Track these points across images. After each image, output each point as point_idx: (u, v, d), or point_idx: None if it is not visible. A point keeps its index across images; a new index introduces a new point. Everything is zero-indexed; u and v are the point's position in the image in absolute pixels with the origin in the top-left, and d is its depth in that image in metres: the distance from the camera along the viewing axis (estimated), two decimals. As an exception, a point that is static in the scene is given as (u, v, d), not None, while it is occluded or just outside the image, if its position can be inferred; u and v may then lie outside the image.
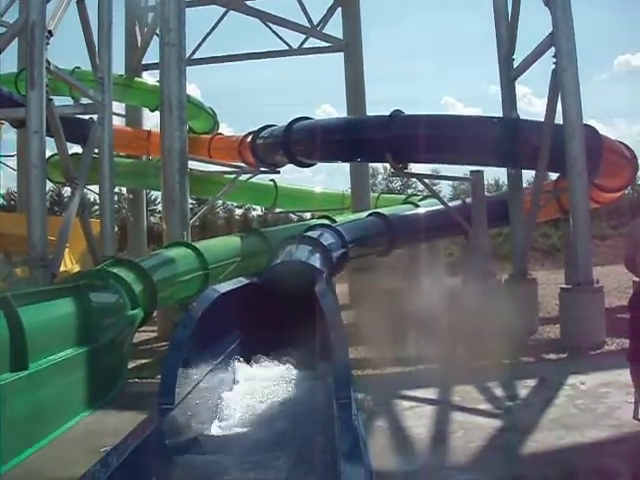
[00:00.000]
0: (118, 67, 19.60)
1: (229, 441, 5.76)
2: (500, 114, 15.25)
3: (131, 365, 10.98)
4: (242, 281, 9.08)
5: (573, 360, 11.05)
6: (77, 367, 8.62)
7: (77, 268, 17.46)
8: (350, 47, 21.41)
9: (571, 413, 7.96)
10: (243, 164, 19.31)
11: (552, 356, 11.43)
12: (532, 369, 10.51)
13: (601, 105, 74.25)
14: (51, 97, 12.53)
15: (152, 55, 20.31)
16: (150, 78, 21.59)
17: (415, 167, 19.81)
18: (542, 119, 13.56)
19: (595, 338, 11.75)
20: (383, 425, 7.83)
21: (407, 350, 11.95)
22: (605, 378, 9.34)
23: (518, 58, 14.90)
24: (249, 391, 7.27)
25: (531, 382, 9.52)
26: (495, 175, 43.13)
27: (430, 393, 9.15)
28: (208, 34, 22.13)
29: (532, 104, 64.39)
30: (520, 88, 15.44)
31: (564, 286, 13.56)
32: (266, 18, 21.41)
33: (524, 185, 16.22)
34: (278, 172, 18.93)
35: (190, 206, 16.59)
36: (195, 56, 21.40)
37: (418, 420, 7.94)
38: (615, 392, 8.59)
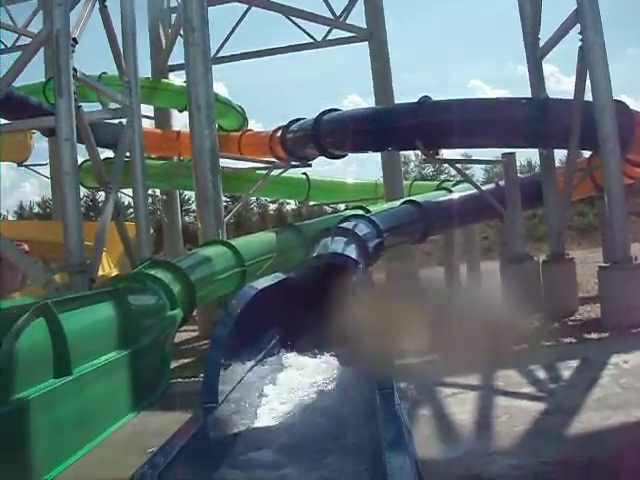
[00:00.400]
0: (144, 70, 19.70)
1: (274, 437, 5.79)
2: (529, 94, 15.16)
3: (173, 365, 11.02)
4: (279, 276, 9.10)
5: (615, 339, 10.96)
6: (120, 370, 8.68)
7: (115, 272, 17.60)
8: (374, 36, 21.33)
9: (615, 393, 7.90)
10: (274, 159, 19.33)
11: (594, 336, 11.34)
12: (574, 350, 10.43)
13: (632, 79, 73.55)
14: (80, 104, 12.61)
15: (177, 56, 20.44)
16: (177, 79, 21.71)
17: (446, 153, 19.75)
18: (571, 97, 13.47)
19: (636, 316, 11.63)
20: (426, 413, 7.82)
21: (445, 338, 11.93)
22: (650, 355, 9.28)
23: (543, 37, 14.81)
24: (292, 386, 7.30)
25: (574, 363, 9.46)
26: (527, 156, 42.90)
27: (473, 379, 9.11)
28: (232, 31, 22.17)
29: (561, 82, 63.82)
30: (547, 67, 15.39)
31: (602, 264, 13.49)
32: (288, 12, 21.38)
33: (557, 165, 16.11)
34: (309, 165, 18.94)
35: (224, 204, 16.67)
36: (220, 54, 21.42)
37: (461, 406, 7.91)
38: (660, 369, 8.54)
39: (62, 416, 7.11)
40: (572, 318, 12.98)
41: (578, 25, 12.54)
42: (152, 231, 19.21)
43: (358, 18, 21.92)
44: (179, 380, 10.55)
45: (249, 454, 5.42)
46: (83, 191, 22.85)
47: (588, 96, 12.76)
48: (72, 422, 7.31)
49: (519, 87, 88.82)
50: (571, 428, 6.85)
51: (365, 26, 21.62)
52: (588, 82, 12.65)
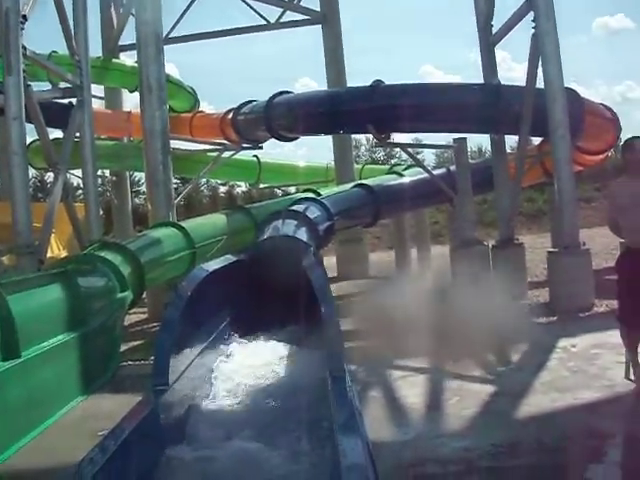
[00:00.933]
0: (95, 49, 19.49)
1: (224, 418, 5.78)
2: (481, 80, 15.24)
3: (123, 348, 10.95)
4: (229, 259, 9.05)
5: (563, 323, 11.10)
6: (69, 352, 8.61)
7: (64, 253, 17.41)
8: (328, 19, 21.32)
9: (563, 376, 8.02)
10: (225, 141, 19.22)
11: (542, 320, 11.47)
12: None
13: (581, 67, 74.49)
14: (29, 83, 12.43)
15: (129, 35, 20.20)
16: (128, 59, 21.46)
17: (398, 137, 19.80)
18: (523, 84, 13.57)
19: (584, 300, 11.81)
20: (377, 396, 7.87)
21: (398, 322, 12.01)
22: (595, 339, 9.43)
23: (497, 24, 14.90)
24: (242, 369, 7.29)
25: (522, 346, 9.56)
26: (478, 142, 43.20)
27: (422, 362, 9.16)
28: (185, 12, 21.95)
29: (512, 69, 64.40)
30: (499, 53, 15.45)
31: (551, 250, 13.62)
32: (242, -7, 21.25)
33: (508, 151, 16.24)
34: (261, 147, 18.87)
35: (174, 186, 16.59)
36: (172, 35, 21.18)
37: (412, 389, 7.98)
38: (606, 353, 8.67)
39: (10, 400, 7.04)
40: (521, 302, 13.08)
41: (531, 13, 12.62)
42: (102, 213, 19.03)
43: (312, 1, 21.91)
44: (129, 363, 10.51)
45: (200, 435, 5.41)
46: (31, 172, 22.61)
47: (540, 83, 12.86)
48: (20, 406, 7.25)
49: (471, 74, 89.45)
50: (520, 411, 6.95)
51: (319, 9, 21.57)
52: (540, 69, 12.75)
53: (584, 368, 8.23)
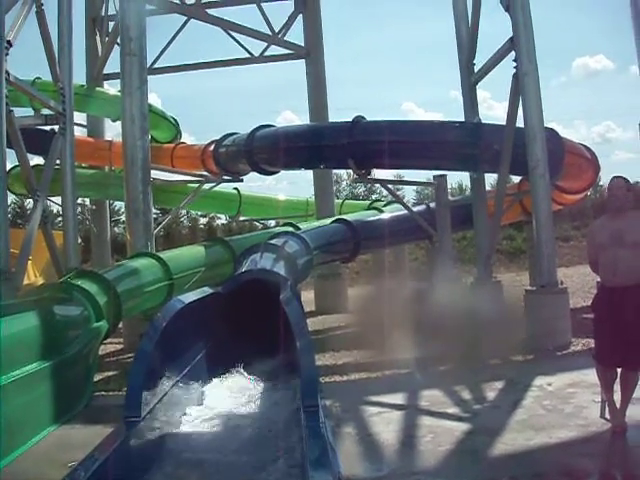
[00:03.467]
0: (79, 77, 19.46)
1: (195, 452, 5.73)
2: (461, 119, 15.33)
3: (97, 378, 10.87)
4: (206, 291, 9.03)
5: (540, 361, 11.10)
6: (42, 381, 8.51)
7: (41, 281, 17.29)
8: (312, 54, 21.42)
9: (539, 414, 8.00)
10: (206, 173, 19.21)
11: (519, 358, 11.46)
12: (499, 371, 10.52)
13: (561, 108, 75.26)
14: (11, 108, 12.40)
15: (113, 65, 20.19)
16: (111, 88, 21.45)
17: (379, 173, 19.86)
18: (503, 123, 13.66)
19: (561, 339, 11.81)
20: (352, 431, 7.82)
21: (375, 355, 12.01)
22: (572, 378, 9.40)
23: (478, 63, 15.03)
24: (216, 402, 7.25)
25: (498, 384, 9.55)
26: (459, 179, 43.44)
27: (398, 398, 9.15)
28: (169, 43, 21.96)
29: (492, 108, 65.09)
30: (479, 92, 15.54)
31: (529, 288, 13.65)
32: (227, 26, 21.23)
33: (487, 188, 16.31)
34: (241, 180, 18.88)
35: (154, 216, 16.53)
36: (156, 65, 21.22)
37: (386, 425, 7.93)
38: (582, 392, 8.66)
39: (-20, 427, 6.95)
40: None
41: (513, 53, 12.74)
42: (80, 241, 18.94)
43: (297, 36, 22.02)
44: (102, 393, 10.41)
45: (170, 467, 5.36)
46: (11, 197, 22.49)
47: (520, 122, 12.94)
48: (-9, 433, 7.15)
49: (451, 111, 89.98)
50: (495, 448, 6.92)
51: (303, 44, 21.68)
52: (520, 108, 12.85)
53: (560, 407, 8.22)
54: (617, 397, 7.31)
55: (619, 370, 7.30)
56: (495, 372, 10.32)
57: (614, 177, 7.56)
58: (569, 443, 6.95)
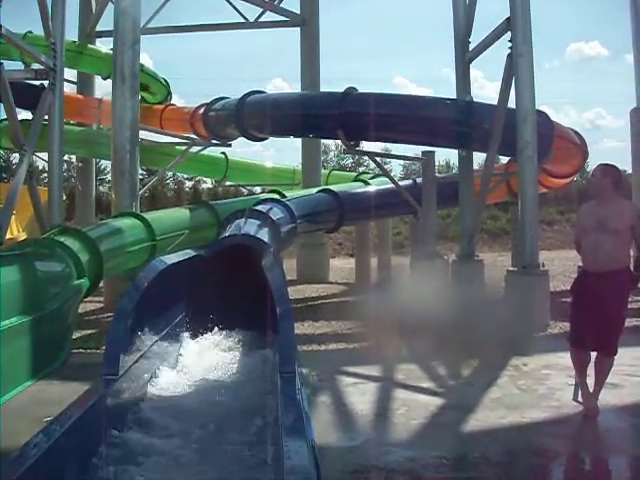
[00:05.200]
0: (71, 33, 19.34)
1: (172, 410, 5.77)
2: (453, 96, 15.33)
3: (76, 335, 10.87)
4: (189, 253, 9.04)
5: (516, 342, 11.16)
6: (21, 336, 8.50)
7: (24, 236, 17.27)
8: (307, 23, 21.36)
9: (513, 393, 8.07)
10: (194, 136, 19.18)
11: (496, 337, 11.52)
12: (476, 349, 10.58)
13: (553, 91, 75.34)
14: (1, 61, 12.31)
15: (106, 22, 20.06)
16: (103, 46, 21.31)
17: (367, 145, 19.89)
18: (494, 102, 13.67)
19: (539, 320, 11.89)
20: (327, 401, 7.87)
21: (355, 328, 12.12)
22: (547, 360, 9.50)
23: (473, 42, 15.00)
24: (194, 363, 7.29)
25: (474, 362, 9.62)
26: (447, 157, 43.54)
27: (374, 370, 9.22)
28: (164, 3, 21.84)
29: (484, 87, 65.14)
30: (472, 71, 15.53)
31: (510, 268, 13.72)
32: (223, -11, 21.18)
33: (475, 167, 16.34)
34: (229, 145, 18.89)
35: (140, 177, 16.48)
36: (150, 25, 21.05)
37: (361, 396, 7.99)
38: (556, 374, 8.75)
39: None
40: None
41: (508, 33, 12.72)
42: (65, 198, 18.88)
43: (292, 3, 21.94)
44: (81, 350, 10.42)
45: (146, 425, 5.40)
46: (-2, 151, 22.39)
47: (512, 103, 12.95)
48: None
49: (443, 89, 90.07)
50: (467, 424, 6.98)
51: (299, 11, 21.59)
52: (512, 89, 12.86)
53: (534, 387, 8.30)
54: (591, 381, 7.40)
55: (594, 354, 7.39)
56: (471, 350, 10.38)
57: (599, 165, 7.62)
58: (541, 423, 7.02)
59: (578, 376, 7.54)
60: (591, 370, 7.42)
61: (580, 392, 7.53)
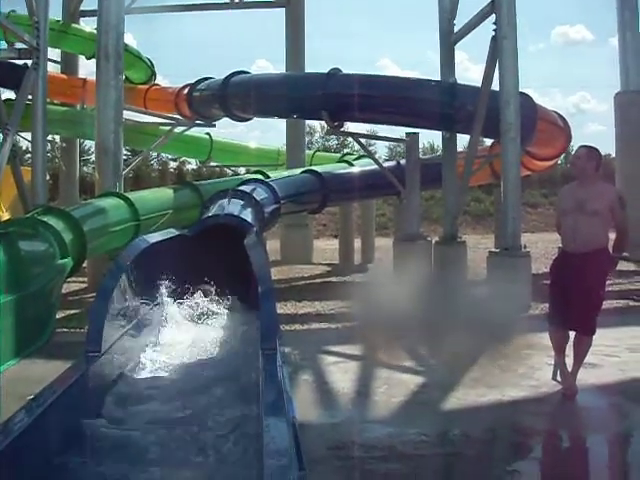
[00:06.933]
0: (55, 12, 19.27)
1: (155, 387, 5.82)
2: (438, 78, 15.34)
3: (60, 315, 10.88)
4: (172, 232, 9.06)
5: (497, 322, 11.23)
6: (4, 315, 8.51)
7: (7, 216, 17.22)
8: (292, 3, 21.31)
9: (493, 373, 8.14)
10: (179, 116, 19.16)
11: (477, 317, 11.58)
12: (457, 330, 10.64)
13: (538, 75, 75.43)
14: (-17, 40, 12.29)
15: (90, 1, 19.97)
16: (87, 25, 21.21)
17: (354, 127, 19.90)
18: (479, 85, 13.70)
19: (520, 302, 11.94)
20: (308, 379, 7.95)
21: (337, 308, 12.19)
22: (528, 340, 9.57)
23: (458, 24, 15.01)
24: (177, 340, 7.33)
25: (455, 342, 9.67)
26: (431, 139, 43.54)
27: (356, 349, 9.31)
28: (149, -18, 21.78)
29: (469, 70, 65.07)
30: (457, 53, 15.55)
31: (492, 250, 13.79)
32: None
33: (459, 149, 16.39)
34: (214, 125, 18.86)
35: (124, 157, 16.47)
36: (134, 5, 20.96)
37: (343, 375, 8.06)
38: (536, 354, 8.83)
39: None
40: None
41: (493, 15, 12.74)
42: (48, 178, 18.83)
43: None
44: (64, 330, 10.43)
45: (129, 401, 5.44)
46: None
47: (495, 85, 12.99)
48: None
49: (427, 71, 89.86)
50: (447, 402, 7.07)
51: (284, -8, 21.56)
52: (496, 72, 12.89)
53: (514, 367, 8.37)
54: (570, 361, 7.49)
55: (572, 334, 7.48)
56: (453, 331, 10.44)
57: (580, 146, 7.68)
58: (520, 402, 7.11)
59: (557, 355, 7.63)
60: (570, 350, 7.51)
61: (559, 371, 7.62)
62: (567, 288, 7.27)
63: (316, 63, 32.56)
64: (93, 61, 16.48)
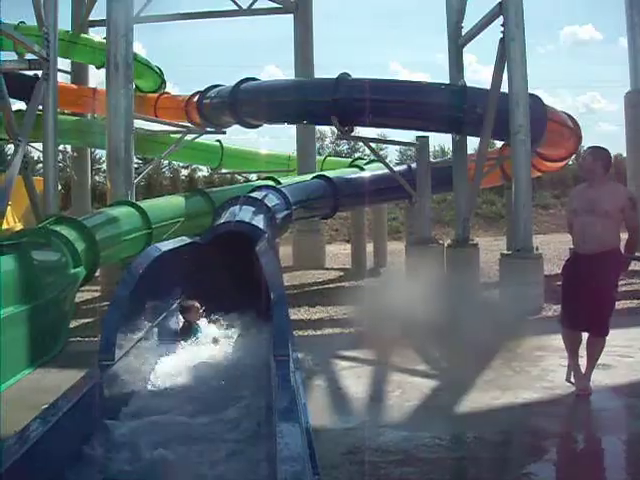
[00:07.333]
0: (64, 23, 19.33)
1: (168, 395, 5.84)
2: (447, 81, 15.35)
3: (73, 324, 10.93)
4: (184, 240, 9.08)
5: (510, 324, 11.21)
6: (18, 325, 8.57)
7: (19, 226, 17.31)
8: (300, 9, 21.34)
9: (506, 375, 8.13)
10: (189, 124, 19.21)
11: (490, 320, 11.56)
12: (470, 332, 10.63)
13: (547, 75, 75.31)
14: (-6, 52, 12.35)
15: (99, 11, 20.06)
16: (97, 35, 21.30)
17: (362, 131, 19.91)
18: (488, 87, 13.69)
19: (533, 303, 11.93)
20: (322, 384, 7.95)
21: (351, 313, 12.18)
22: (541, 342, 9.55)
23: (466, 26, 15.03)
24: (191, 348, 7.35)
25: (469, 345, 9.66)
26: (441, 142, 43.51)
27: (369, 354, 9.29)
28: (157, -9, 21.84)
29: (478, 72, 65.02)
30: (466, 56, 15.56)
31: (504, 252, 13.77)
32: (215, -23, 21.19)
33: (469, 152, 16.38)
34: (224, 132, 18.87)
35: (135, 165, 16.51)
36: (143, 14, 21.01)
37: (356, 379, 8.06)
38: (550, 355, 8.81)
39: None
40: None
41: (501, 17, 12.74)
42: (60, 188, 18.91)
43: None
44: (78, 339, 10.45)
45: (142, 410, 5.45)
46: (-9, 141, 22.39)
47: (505, 87, 12.98)
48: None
49: (437, 74, 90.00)
50: (461, 406, 7.06)
51: (292, -2, 21.60)
52: (506, 74, 12.88)
53: (527, 369, 8.36)
54: (583, 362, 7.48)
55: (585, 335, 7.47)
56: (466, 333, 10.43)
57: (588, 147, 7.69)
58: (534, 404, 7.09)
59: (570, 357, 7.62)
60: (583, 351, 7.50)
61: (572, 373, 7.61)
62: (579, 289, 7.26)
63: (325, 68, 32.62)
64: (103, 70, 16.55)
